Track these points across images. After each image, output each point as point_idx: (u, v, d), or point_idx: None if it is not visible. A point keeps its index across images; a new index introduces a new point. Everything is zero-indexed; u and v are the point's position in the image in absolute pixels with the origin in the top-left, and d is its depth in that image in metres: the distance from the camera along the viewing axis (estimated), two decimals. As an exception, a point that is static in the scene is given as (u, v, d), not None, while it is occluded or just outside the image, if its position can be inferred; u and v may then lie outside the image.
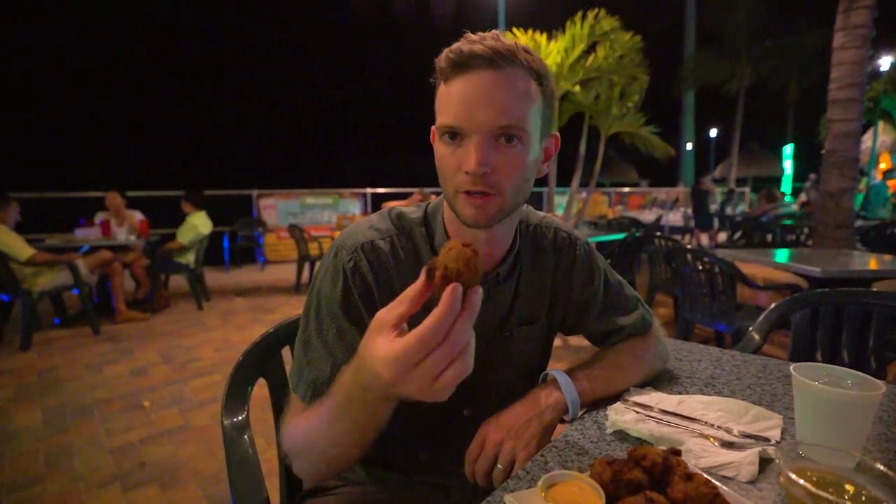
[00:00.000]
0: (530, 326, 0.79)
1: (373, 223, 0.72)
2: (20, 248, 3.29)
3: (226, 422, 0.79)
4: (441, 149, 0.64)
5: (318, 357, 0.66)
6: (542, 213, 0.85)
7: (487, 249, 0.71)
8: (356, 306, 0.67)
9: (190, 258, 4.44)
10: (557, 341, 0.90)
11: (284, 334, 0.90)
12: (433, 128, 0.68)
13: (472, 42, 0.60)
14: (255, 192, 7.18)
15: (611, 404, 0.73)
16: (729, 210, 9.16)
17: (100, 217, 4.37)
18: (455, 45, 0.61)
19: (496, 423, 0.68)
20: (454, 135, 0.62)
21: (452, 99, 0.60)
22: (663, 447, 0.55)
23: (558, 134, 0.72)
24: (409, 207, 0.77)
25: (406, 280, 0.69)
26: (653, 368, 0.82)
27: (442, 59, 0.62)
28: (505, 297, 0.76)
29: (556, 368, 0.77)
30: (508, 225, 0.72)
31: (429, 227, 0.73)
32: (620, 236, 4.01)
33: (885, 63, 11.09)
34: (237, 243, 6.92)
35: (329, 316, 0.67)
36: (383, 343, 0.44)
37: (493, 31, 0.64)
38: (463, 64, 0.60)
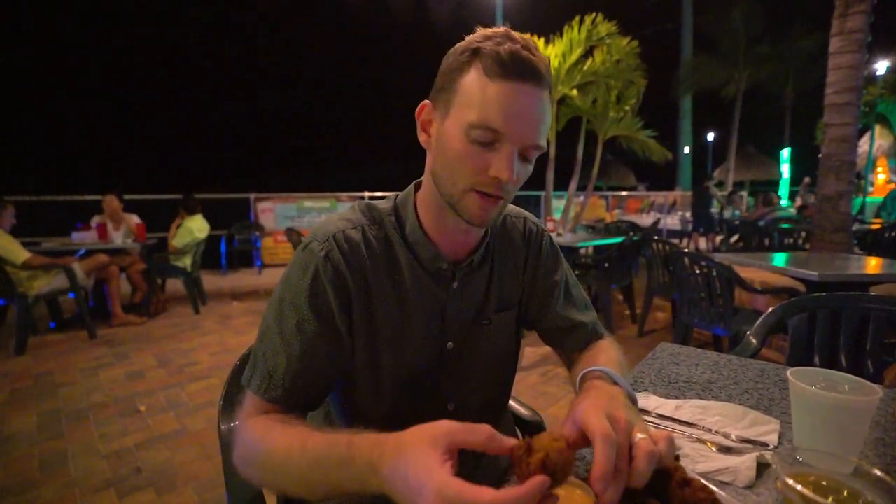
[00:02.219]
0: (506, 313, 0.80)
1: (343, 215, 0.72)
2: (16, 252, 3.28)
3: (223, 426, 0.78)
4: (462, 143, 0.60)
5: (274, 348, 0.64)
6: (509, 205, 0.85)
7: (465, 238, 0.73)
8: (324, 297, 0.65)
9: (187, 262, 4.43)
10: (548, 349, 0.89)
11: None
12: (427, 103, 0.67)
13: (525, 48, 0.59)
14: (252, 196, 7.16)
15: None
16: (726, 214, 9.18)
17: (96, 220, 4.36)
18: (510, 45, 0.59)
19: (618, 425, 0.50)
20: (489, 136, 0.59)
21: (497, 101, 0.58)
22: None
23: None
24: (380, 199, 0.77)
25: (379, 267, 0.69)
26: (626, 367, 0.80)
27: (492, 52, 0.59)
28: (480, 284, 0.77)
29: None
30: None
31: (399, 216, 0.73)
32: (618, 240, 4.02)
33: (881, 67, 11.16)
34: (234, 247, 6.91)
35: (292, 306, 0.65)
36: (439, 469, 0.42)
37: (527, 34, 0.63)
38: (518, 71, 0.58)
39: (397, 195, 0.76)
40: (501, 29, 0.62)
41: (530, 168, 0.66)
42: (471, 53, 0.61)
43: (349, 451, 0.49)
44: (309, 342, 0.64)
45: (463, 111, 0.60)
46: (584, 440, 0.49)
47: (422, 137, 0.68)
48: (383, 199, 0.77)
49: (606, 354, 0.74)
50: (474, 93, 0.59)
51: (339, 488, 0.50)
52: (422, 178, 0.73)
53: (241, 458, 0.60)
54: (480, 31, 0.63)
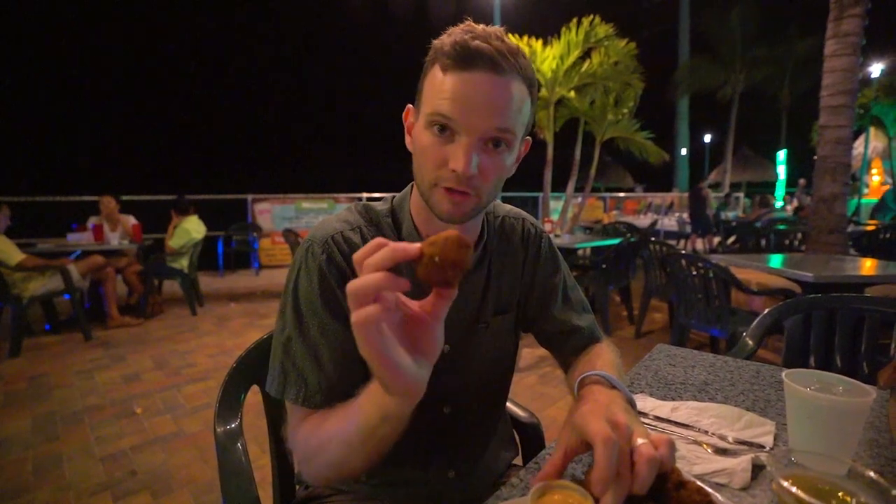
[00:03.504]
0: (504, 316, 0.80)
1: (341, 217, 0.72)
2: (10, 253, 3.26)
3: (219, 429, 0.78)
4: (426, 138, 0.62)
5: (302, 357, 0.64)
6: (508, 206, 0.86)
7: None
8: (336, 299, 0.65)
9: (184, 263, 4.41)
10: (545, 351, 0.89)
11: (278, 340, 0.89)
12: (410, 107, 0.68)
13: (477, 37, 0.59)
14: (249, 197, 7.15)
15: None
16: (723, 215, 9.22)
17: (92, 221, 4.34)
18: (459, 37, 0.59)
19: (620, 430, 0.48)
20: (444, 128, 0.60)
21: (449, 92, 0.59)
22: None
23: (530, 138, 0.71)
24: (378, 201, 0.77)
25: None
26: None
27: (443, 47, 0.60)
28: (476, 287, 0.76)
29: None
30: (478, 217, 0.73)
31: (395, 218, 0.73)
32: (615, 241, 4.03)
33: (875, 70, 11.24)
34: (232, 248, 6.88)
35: (310, 313, 0.65)
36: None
37: (497, 27, 0.62)
38: (466, 60, 0.58)
39: (394, 196, 0.76)
40: (462, 24, 0.63)
41: (503, 160, 0.63)
42: (433, 52, 0.62)
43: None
44: (335, 344, 0.64)
45: (425, 107, 0.62)
46: (584, 446, 0.49)
47: (407, 140, 0.69)
48: (381, 199, 0.77)
49: (603, 358, 0.74)
50: (433, 88, 0.61)
51: (385, 427, 0.50)
52: None
53: (303, 461, 0.62)
54: (446, 31, 0.63)
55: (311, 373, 0.63)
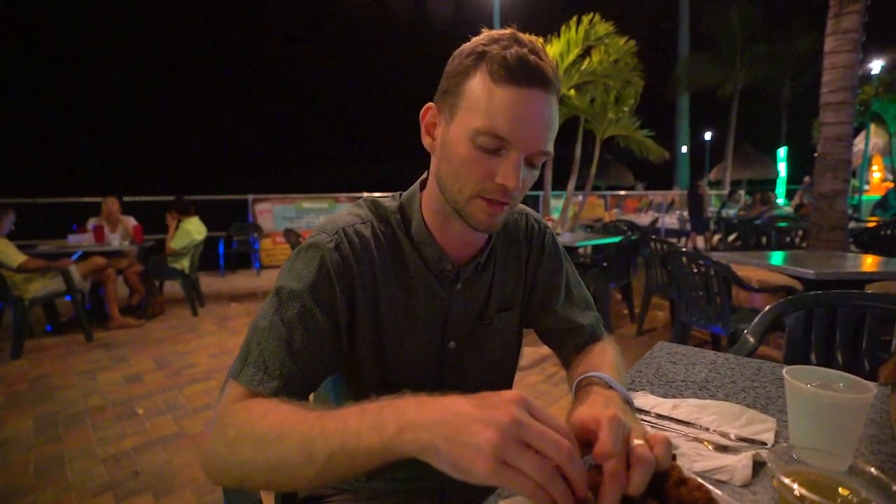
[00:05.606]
0: (507, 313, 0.79)
1: (350, 211, 0.72)
2: (11, 255, 3.27)
3: (218, 429, 0.78)
4: (469, 150, 0.59)
5: (270, 338, 0.59)
6: None
7: (470, 240, 0.73)
8: (329, 287, 0.63)
9: (185, 263, 4.42)
10: (548, 349, 0.88)
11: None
12: (432, 105, 0.65)
13: (532, 52, 0.58)
14: (250, 197, 7.15)
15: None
16: (724, 212, 9.21)
17: (92, 223, 4.35)
18: (518, 49, 0.57)
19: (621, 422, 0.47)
20: (495, 143, 0.58)
21: (503, 107, 0.57)
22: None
23: None
24: (384, 197, 0.76)
25: (387, 264, 0.69)
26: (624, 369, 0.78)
27: (499, 56, 0.57)
28: (483, 285, 0.76)
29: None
30: None
31: (404, 215, 0.73)
32: (616, 239, 4.02)
33: (875, 66, 11.22)
34: (232, 248, 6.89)
35: (293, 295, 0.62)
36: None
37: (533, 36, 0.61)
38: (527, 76, 0.57)
39: (401, 193, 0.75)
40: (508, 31, 0.61)
41: (536, 173, 0.64)
42: (476, 57, 0.59)
43: (378, 402, 0.46)
44: (309, 333, 0.61)
45: (468, 116, 0.59)
46: (586, 447, 0.48)
47: (426, 141, 0.67)
48: (391, 197, 0.76)
49: (604, 357, 0.73)
50: (480, 98, 0.58)
51: (352, 445, 0.44)
52: (426, 177, 0.72)
53: (228, 439, 0.51)
54: (486, 34, 0.61)
55: (275, 355, 0.58)
